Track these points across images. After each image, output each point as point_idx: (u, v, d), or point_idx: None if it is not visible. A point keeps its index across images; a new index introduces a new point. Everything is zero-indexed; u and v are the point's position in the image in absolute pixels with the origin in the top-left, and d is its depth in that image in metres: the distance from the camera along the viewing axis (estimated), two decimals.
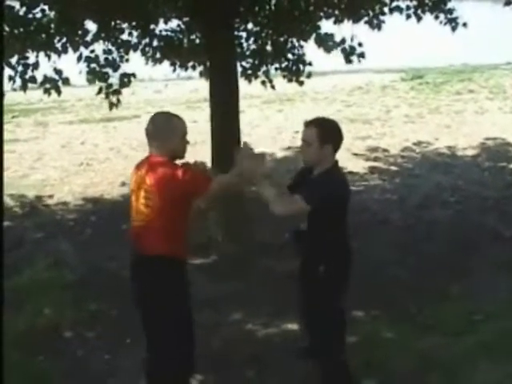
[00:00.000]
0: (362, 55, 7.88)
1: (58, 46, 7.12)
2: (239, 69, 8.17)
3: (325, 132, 3.88)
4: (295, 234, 4.13)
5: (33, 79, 7.02)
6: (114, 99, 8.10)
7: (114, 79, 7.87)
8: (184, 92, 21.64)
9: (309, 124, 3.94)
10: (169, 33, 8.35)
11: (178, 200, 3.75)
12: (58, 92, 7.19)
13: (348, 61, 7.91)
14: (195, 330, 4.09)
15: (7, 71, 6.93)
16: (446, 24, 7.84)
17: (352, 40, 7.81)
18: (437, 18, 7.85)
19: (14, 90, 7.32)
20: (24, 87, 7.03)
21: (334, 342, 4.05)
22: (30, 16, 6.85)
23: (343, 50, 7.87)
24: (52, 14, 6.99)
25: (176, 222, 3.81)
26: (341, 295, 4.04)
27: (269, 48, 8.46)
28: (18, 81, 6.99)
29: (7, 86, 7.08)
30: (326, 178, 3.87)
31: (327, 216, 3.81)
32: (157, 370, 3.95)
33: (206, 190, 3.77)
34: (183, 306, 3.94)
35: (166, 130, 3.83)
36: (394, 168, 11.62)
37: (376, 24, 7.95)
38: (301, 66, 8.61)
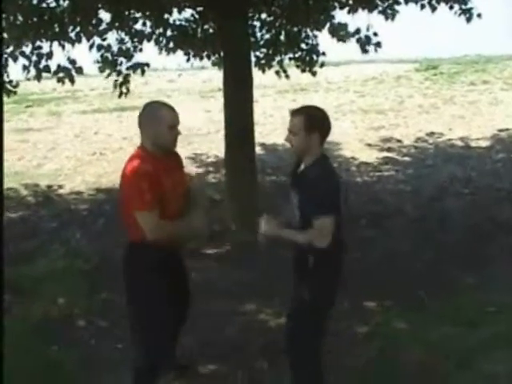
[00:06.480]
0: (378, 45, 7.86)
1: (72, 35, 7.15)
2: (253, 58, 8.18)
3: (311, 120, 3.65)
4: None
5: (47, 68, 7.05)
6: (124, 88, 8.15)
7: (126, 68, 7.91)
8: (197, 82, 21.65)
9: (295, 113, 3.70)
10: (182, 22, 8.34)
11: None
12: (72, 81, 7.21)
13: (364, 50, 7.88)
14: (172, 318, 4.00)
15: (21, 61, 6.98)
16: (460, 14, 7.78)
17: (368, 30, 7.79)
18: (451, 8, 7.79)
19: (28, 79, 7.36)
20: (38, 77, 7.06)
21: (308, 340, 3.74)
22: (44, 5, 6.88)
23: (358, 40, 7.85)
24: (65, 3, 7.01)
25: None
26: (328, 292, 3.77)
27: (282, 38, 8.47)
28: (33, 70, 7.04)
29: (21, 75, 7.13)
30: (315, 180, 3.62)
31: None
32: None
33: (138, 210, 3.76)
34: (145, 288, 3.93)
35: (151, 118, 3.71)
36: (407, 159, 11.58)
37: (390, 14, 7.90)
38: (314, 56, 8.61)
